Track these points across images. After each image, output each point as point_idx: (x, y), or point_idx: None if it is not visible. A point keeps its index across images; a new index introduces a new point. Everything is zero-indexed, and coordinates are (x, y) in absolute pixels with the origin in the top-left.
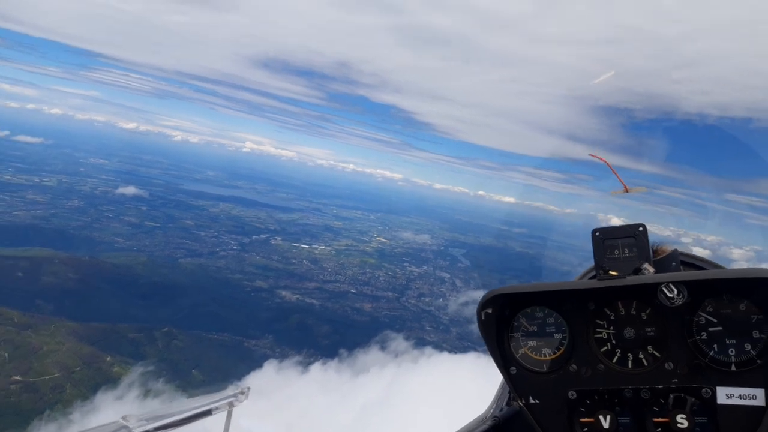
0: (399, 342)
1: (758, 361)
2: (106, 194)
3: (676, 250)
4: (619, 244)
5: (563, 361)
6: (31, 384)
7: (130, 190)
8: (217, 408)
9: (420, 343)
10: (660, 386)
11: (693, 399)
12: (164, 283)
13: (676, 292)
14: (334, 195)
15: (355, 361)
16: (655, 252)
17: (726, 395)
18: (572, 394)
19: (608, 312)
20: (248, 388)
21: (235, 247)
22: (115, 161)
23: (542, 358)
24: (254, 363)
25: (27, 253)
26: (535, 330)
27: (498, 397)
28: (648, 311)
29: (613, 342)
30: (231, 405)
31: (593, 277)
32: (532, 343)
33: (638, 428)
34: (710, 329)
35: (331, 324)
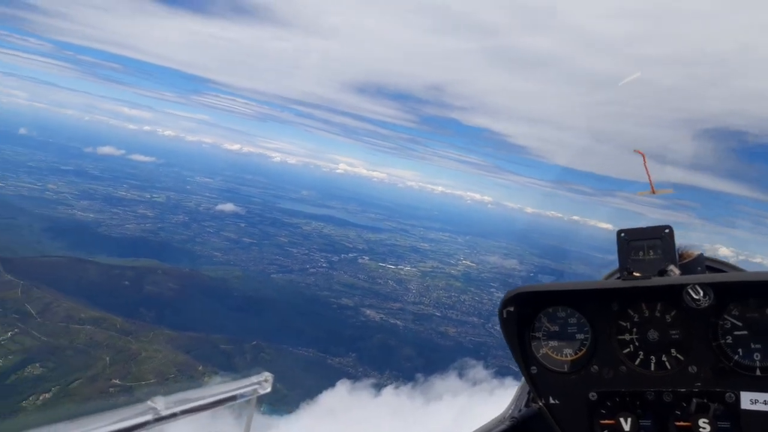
0: (478, 370)
1: None
2: (208, 211)
3: (701, 254)
4: (644, 245)
5: (585, 362)
6: (128, 388)
7: (230, 207)
8: (242, 394)
9: (501, 372)
10: (683, 390)
11: (716, 404)
12: (256, 297)
13: (702, 293)
14: (422, 216)
15: (430, 387)
16: (681, 256)
17: (750, 400)
18: (593, 396)
19: (632, 313)
20: (272, 376)
21: (324, 265)
22: (219, 180)
23: (563, 358)
24: (336, 380)
25: (134, 264)
26: (557, 330)
27: (516, 398)
28: (673, 313)
29: (636, 344)
30: (255, 392)
31: (618, 279)
32: (553, 343)
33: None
34: (735, 333)
35: (414, 346)
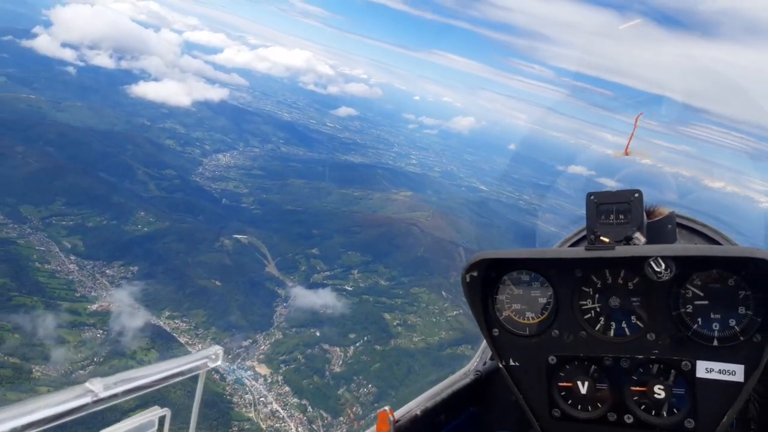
0: None
1: (741, 337)
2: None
3: (672, 212)
4: (613, 209)
5: (546, 326)
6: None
7: None
8: (189, 369)
9: None
10: (640, 356)
11: (672, 371)
12: None
13: (663, 266)
14: None
15: None
16: (651, 213)
17: (706, 369)
18: (552, 359)
19: (595, 279)
20: (222, 350)
21: None
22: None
23: (525, 321)
24: None
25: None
26: (521, 293)
27: (482, 352)
28: (635, 281)
29: (598, 310)
30: (205, 365)
31: (584, 239)
32: (516, 306)
33: (615, 396)
34: (696, 302)
35: None
